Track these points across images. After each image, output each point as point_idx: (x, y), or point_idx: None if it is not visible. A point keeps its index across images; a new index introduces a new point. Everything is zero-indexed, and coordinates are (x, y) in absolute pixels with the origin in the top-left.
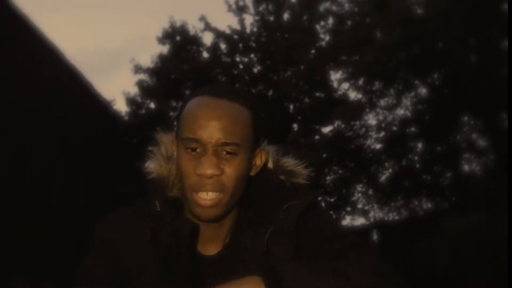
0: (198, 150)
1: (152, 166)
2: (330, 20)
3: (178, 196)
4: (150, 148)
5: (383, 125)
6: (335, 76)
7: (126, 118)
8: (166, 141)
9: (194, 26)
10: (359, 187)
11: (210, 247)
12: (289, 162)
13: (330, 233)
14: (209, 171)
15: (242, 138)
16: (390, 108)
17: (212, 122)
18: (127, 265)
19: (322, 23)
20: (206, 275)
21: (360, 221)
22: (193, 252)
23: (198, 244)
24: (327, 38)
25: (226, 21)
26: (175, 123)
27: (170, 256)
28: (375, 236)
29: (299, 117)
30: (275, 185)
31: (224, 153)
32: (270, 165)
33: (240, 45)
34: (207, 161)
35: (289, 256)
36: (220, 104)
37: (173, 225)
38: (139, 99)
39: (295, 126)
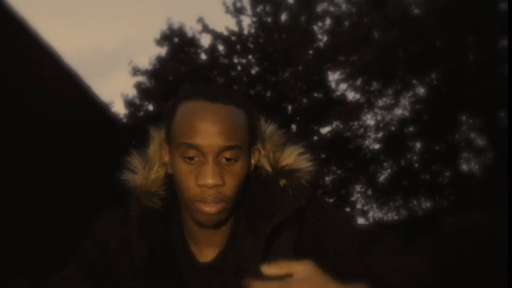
0: (196, 158)
1: (128, 175)
2: (328, 21)
3: (157, 207)
4: (127, 157)
5: (381, 125)
6: (333, 76)
7: (124, 120)
8: (157, 138)
9: (192, 27)
10: (358, 187)
11: (206, 253)
12: (289, 158)
13: (345, 230)
14: (211, 180)
15: (241, 140)
16: (388, 108)
17: (210, 128)
18: (115, 270)
19: (320, 23)
20: (203, 281)
21: (359, 221)
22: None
23: (194, 250)
24: (325, 38)
25: (224, 23)
26: (164, 129)
27: (152, 269)
28: None
29: (298, 118)
30: (274, 192)
31: (224, 160)
32: (268, 168)
33: (238, 46)
34: (209, 171)
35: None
36: (215, 108)
37: (146, 239)
38: (137, 101)
39: (293, 126)
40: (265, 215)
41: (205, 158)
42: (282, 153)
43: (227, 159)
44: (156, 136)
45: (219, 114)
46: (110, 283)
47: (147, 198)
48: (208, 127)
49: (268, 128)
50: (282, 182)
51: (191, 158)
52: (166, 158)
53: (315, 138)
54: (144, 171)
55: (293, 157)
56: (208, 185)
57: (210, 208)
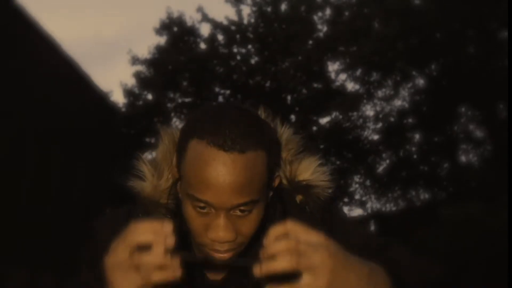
0: (207, 209)
1: (136, 182)
2: (328, 11)
3: (163, 217)
4: (135, 164)
5: (380, 116)
6: (332, 67)
7: (123, 109)
8: (167, 139)
9: (191, 17)
10: (356, 178)
11: (217, 272)
12: (307, 173)
13: (357, 241)
14: (222, 236)
15: (258, 191)
16: (388, 99)
17: (223, 184)
18: None
19: (320, 14)
20: None
21: (357, 212)
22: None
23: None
24: (325, 29)
25: (224, 12)
26: (176, 155)
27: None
28: (372, 227)
29: (297, 108)
30: (290, 210)
31: (238, 212)
32: (284, 180)
33: (238, 36)
34: (220, 226)
35: None
36: (230, 160)
37: None
38: (136, 90)
39: (292, 117)
40: None
41: (216, 212)
42: (299, 164)
43: (241, 211)
44: (166, 137)
45: (233, 167)
46: None
47: (154, 209)
48: (220, 183)
49: (285, 134)
50: (299, 198)
51: (202, 208)
52: (175, 171)
53: (314, 128)
54: (153, 178)
55: (311, 171)
56: (219, 240)
57: (222, 255)
